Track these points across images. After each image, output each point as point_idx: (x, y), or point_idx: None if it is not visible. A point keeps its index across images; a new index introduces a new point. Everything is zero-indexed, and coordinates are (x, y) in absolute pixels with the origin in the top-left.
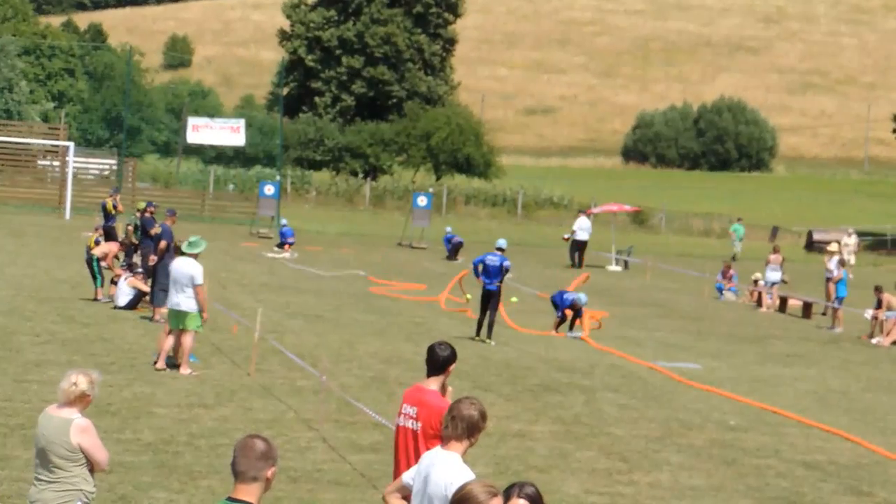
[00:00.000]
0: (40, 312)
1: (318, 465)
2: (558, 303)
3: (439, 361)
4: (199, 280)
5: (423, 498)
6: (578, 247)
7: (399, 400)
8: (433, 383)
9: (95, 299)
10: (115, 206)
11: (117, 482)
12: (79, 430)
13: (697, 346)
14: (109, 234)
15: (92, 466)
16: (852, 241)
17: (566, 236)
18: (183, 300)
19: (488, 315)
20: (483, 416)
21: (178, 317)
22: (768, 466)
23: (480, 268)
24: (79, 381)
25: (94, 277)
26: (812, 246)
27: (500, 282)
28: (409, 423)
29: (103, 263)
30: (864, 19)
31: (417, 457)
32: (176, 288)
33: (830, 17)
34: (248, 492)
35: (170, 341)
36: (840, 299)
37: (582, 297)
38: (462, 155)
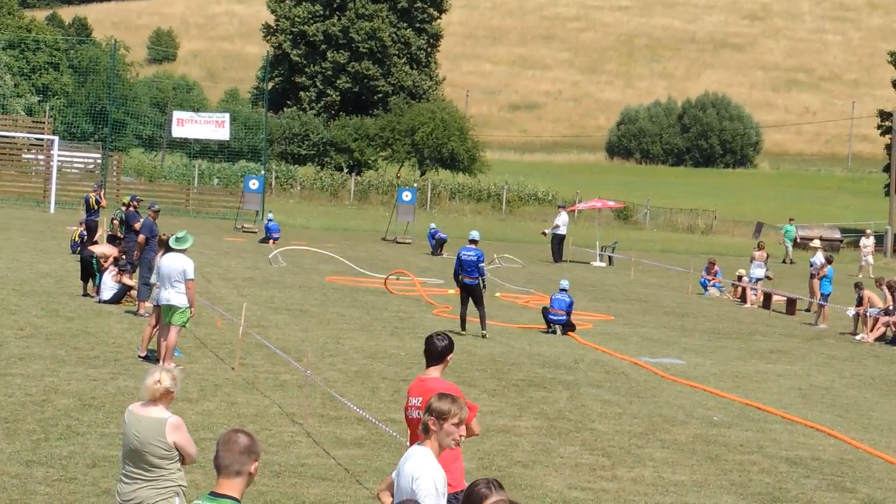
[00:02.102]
0: (24, 306)
1: (302, 459)
2: (554, 318)
3: (437, 351)
4: (191, 275)
5: (397, 491)
6: (560, 242)
7: (383, 395)
8: (433, 372)
9: (86, 294)
10: (97, 201)
11: (101, 476)
12: (173, 428)
13: (681, 342)
14: (92, 229)
15: (183, 460)
16: (870, 242)
17: (546, 231)
18: (173, 295)
19: (478, 309)
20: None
21: (167, 312)
22: (752, 462)
23: (459, 268)
24: (163, 378)
25: (94, 275)
26: (796, 242)
27: (481, 275)
28: (417, 414)
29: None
30: (848, 16)
31: None
32: (167, 283)
33: (815, 15)
34: (231, 486)
35: (152, 332)
36: (825, 296)
37: (564, 283)
38: (446, 150)
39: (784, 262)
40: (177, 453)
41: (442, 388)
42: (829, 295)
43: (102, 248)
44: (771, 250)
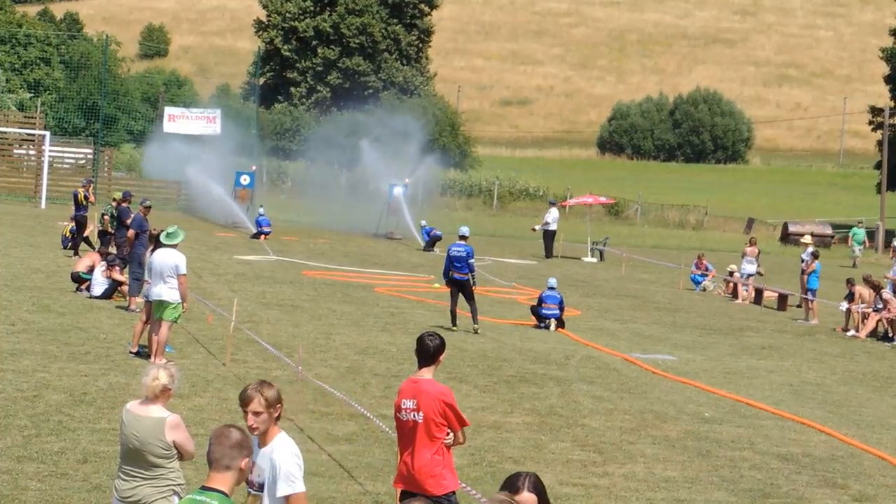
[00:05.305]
0: (15, 301)
1: None
2: (547, 312)
3: (430, 351)
4: (183, 270)
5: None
6: (551, 237)
7: (374, 391)
8: (426, 373)
9: (79, 289)
10: (86, 197)
11: (92, 472)
12: (172, 426)
13: (672, 338)
14: (81, 224)
15: (181, 456)
16: None
17: (536, 227)
18: (165, 290)
19: (469, 304)
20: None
21: (158, 307)
22: (743, 458)
23: (449, 264)
24: (160, 375)
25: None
26: (787, 238)
27: (471, 270)
28: (411, 416)
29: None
30: (840, 12)
31: (421, 449)
32: (159, 278)
33: (806, 10)
34: (221, 480)
35: (143, 327)
36: (812, 291)
37: (551, 281)
38: (438, 146)
39: (854, 265)
40: (175, 452)
41: (435, 390)
42: (816, 290)
43: (83, 262)
44: (763, 246)
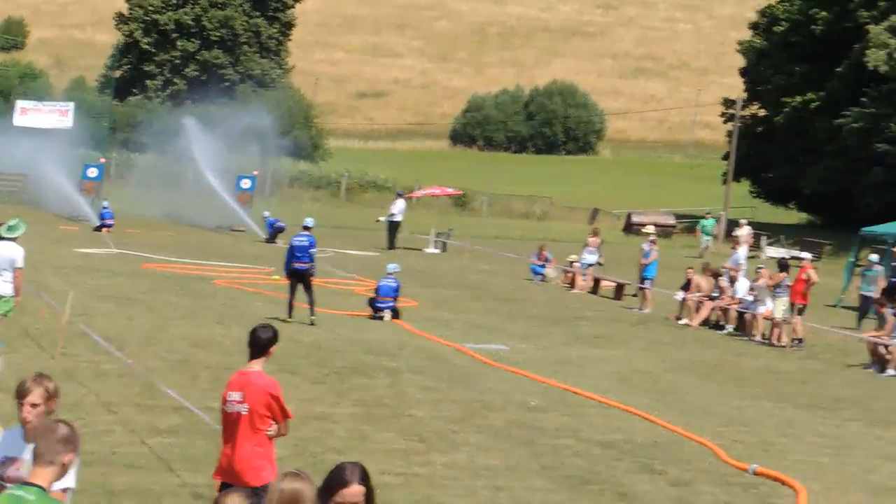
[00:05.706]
0: None
1: (114, 448)
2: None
3: (262, 343)
4: (20, 263)
5: None
6: (395, 229)
7: (203, 384)
8: (256, 365)
9: None
10: None
11: None
12: None
13: (507, 328)
14: None
15: None
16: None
17: (381, 219)
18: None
19: (307, 295)
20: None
21: None
22: (565, 446)
23: (291, 255)
24: None
25: None
26: (630, 228)
27: (311, 261)
28: (236, 408)
29: None
30: (701, 6)
31: (243, 440)
32: None
33: (668, 3)
34: (42, 475)
35: None
36: (650, 280)
37: (391, 266)
38: (290, 138)
39: (700, 256)
40: None
41: (262, 382)
42: (653, 279)
43: None
44: (606, 237)
